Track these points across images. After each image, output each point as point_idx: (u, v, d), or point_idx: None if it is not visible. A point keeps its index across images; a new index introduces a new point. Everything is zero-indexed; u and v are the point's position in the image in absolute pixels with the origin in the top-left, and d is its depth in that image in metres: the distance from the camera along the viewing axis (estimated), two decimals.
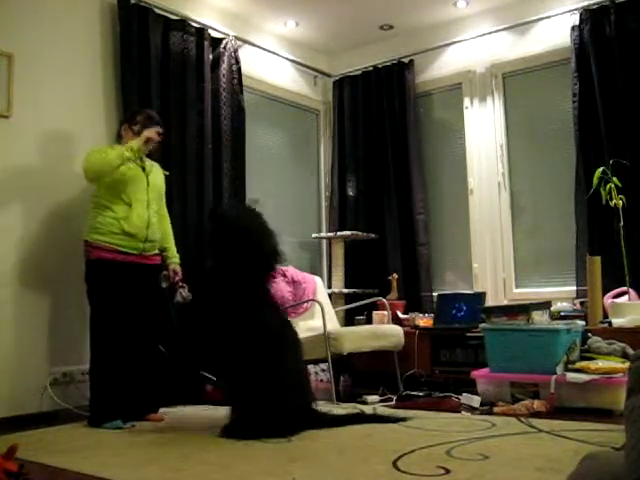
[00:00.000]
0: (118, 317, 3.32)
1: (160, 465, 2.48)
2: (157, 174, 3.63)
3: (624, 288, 4.02)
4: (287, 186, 5.56)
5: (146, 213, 3.46)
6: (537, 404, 3.34)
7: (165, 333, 3.63)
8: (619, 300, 4.02)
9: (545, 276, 4.83)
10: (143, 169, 3.52)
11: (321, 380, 4.94)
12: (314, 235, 5.58)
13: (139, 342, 3.41)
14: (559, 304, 4.27)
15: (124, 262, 3.38)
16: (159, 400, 3.59)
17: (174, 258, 3.71)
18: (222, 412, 3.20)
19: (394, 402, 3.87)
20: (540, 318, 3.71)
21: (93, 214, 3.39)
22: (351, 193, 5.62)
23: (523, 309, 3.69)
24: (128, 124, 3.50)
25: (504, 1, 4.94)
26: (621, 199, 4.04)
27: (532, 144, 4.97)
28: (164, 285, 3.60)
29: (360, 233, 5.27)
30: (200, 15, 4.66)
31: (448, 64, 5.33)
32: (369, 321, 4.78)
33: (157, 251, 3.61)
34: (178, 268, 3.69)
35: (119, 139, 3.56)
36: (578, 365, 3.43)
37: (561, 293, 4.57)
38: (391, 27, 5.37)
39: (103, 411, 3.28)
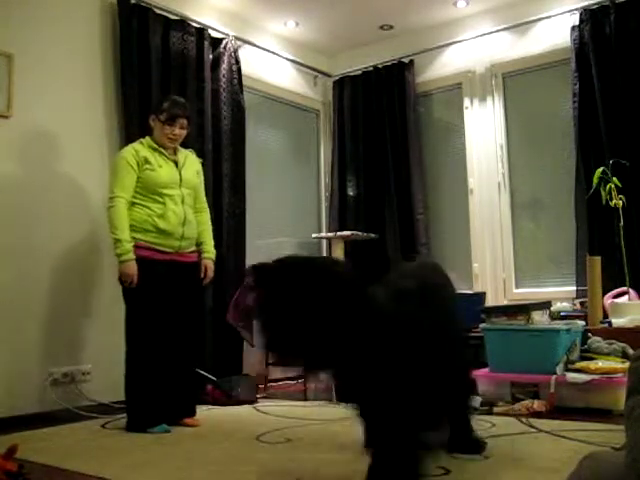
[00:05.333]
0: (154, 317, 3.18)
1: (161, 466, 2.48)
2: (191, 167, 3.46)
3: (624, 288, 4.02)
4: (287, 186, 5.56)
5: (181, 210, 3.31)
6: (537, 404, 3.34)
7: (199, 334, 3.51)
8: (619, 300, 4.01)
9: (545, 276, 4.83)
10: (176, 164, 3.37)
11: (321, 380, 4.93)
12: (314, 235, 5.58)
13: (175, 342, 3.26)
14: (559, 304, 4.27)
15: (159, 260, 3.24)
16: (195, 403, 3.42)
17: (207, 253, 3.49)
18: (222, 412, 3.19)
19: None
20: (540, 318, 3.71)
21: (128, 211, 3.22)
22: (351, 193, 5.61)
23: (523, 309, 3.69)
24: (155, 115, 3.37)
25: (504, 1, 4.94)
26: (621, 199, 4.04)
27: (532, 144, 4.97)
28: None
29: (360, 233, 5.26)
30: (200, 15, 4.66)
31: (448, 64, 5.32)
32: None
33: (194, 248, 3.44)
34: (211, 264, 3.50)
35: (149, 132, 3.41)
36: (578, 365, 3.42)
37: (561, 293, 4.57)
38: (391, 27, 5.37)
39: (145, 415, 3.15)
